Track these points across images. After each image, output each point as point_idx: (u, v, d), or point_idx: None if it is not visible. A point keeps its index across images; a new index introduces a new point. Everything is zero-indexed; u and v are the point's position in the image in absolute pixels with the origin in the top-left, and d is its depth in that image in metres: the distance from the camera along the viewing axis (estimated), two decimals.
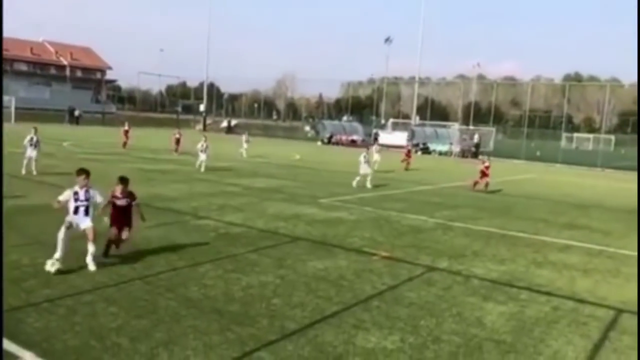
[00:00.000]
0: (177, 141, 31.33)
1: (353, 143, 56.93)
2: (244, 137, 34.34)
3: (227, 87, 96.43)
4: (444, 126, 60.58)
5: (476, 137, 56.10)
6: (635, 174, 38.91)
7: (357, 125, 64.17)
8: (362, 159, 20.55)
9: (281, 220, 12.74)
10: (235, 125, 70.94)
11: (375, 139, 48.96)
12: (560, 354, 6.02)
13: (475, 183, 21.47)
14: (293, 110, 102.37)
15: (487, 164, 21.94)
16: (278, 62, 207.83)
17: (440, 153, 48.62)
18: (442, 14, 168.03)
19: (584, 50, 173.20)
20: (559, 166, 43.01)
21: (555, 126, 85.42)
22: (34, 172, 17.96)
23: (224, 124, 72.60)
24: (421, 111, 69.54)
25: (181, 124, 72.54)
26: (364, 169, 20.44)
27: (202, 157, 22.97)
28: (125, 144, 33.06)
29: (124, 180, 8.66)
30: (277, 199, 16.17)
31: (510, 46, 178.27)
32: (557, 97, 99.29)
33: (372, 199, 17.66)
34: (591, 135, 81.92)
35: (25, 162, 18.23)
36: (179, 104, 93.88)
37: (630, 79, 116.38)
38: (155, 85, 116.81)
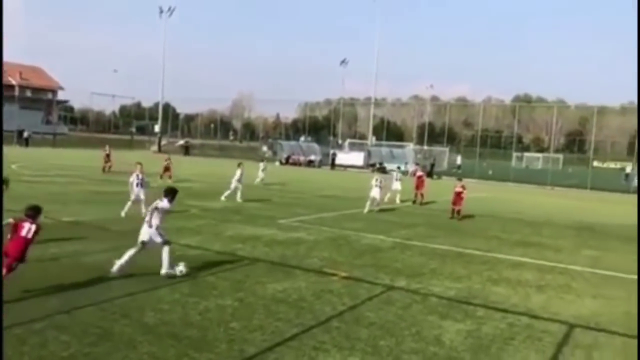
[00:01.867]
0: (167, 168, 28.39)
1: (311, 163, 57.12)
2: (261, 165, 30.75)
3: (183, 107, 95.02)
4: (400, 146, 61.62)
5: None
6: (583, 192, 40.47)
7: (314, 145, 64.40)
8: (373, 182, 20.01)
9: (239, 242, 12.61)
10: (190, 146, 70.01)
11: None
12: None
13: (457, 211, 19.52)
14: (250, 130, 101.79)
15: (458, 189, 19.79)
16: (234, 82, 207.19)
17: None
18: (397, 37, 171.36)
19: (533, 72, 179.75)
20: (511, 185, 44.19)
21: (506, 146, 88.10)
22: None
23: (180, 142, 71.67)
24: (377, 131, 70.68)
25: (136, 145, 71.45)
26: (374, 192, 19.73)
27: (238, 185, 21.19)
28: (108, 167, 30.91)
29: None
30: (235, 220, 16.02)
31: (462, 68, 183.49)
32: (508, 117, 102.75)
33: (331, 218, 17.71)
34: (540, 155, 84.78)
35: (129, 203, 15.19)
36: (133, 124, 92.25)
37: (575, 100, 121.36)
38: (109, 106, 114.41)
